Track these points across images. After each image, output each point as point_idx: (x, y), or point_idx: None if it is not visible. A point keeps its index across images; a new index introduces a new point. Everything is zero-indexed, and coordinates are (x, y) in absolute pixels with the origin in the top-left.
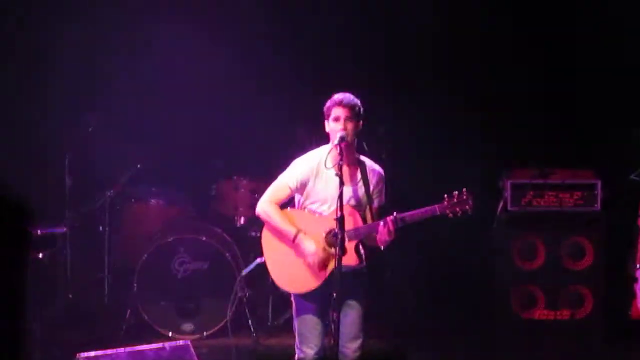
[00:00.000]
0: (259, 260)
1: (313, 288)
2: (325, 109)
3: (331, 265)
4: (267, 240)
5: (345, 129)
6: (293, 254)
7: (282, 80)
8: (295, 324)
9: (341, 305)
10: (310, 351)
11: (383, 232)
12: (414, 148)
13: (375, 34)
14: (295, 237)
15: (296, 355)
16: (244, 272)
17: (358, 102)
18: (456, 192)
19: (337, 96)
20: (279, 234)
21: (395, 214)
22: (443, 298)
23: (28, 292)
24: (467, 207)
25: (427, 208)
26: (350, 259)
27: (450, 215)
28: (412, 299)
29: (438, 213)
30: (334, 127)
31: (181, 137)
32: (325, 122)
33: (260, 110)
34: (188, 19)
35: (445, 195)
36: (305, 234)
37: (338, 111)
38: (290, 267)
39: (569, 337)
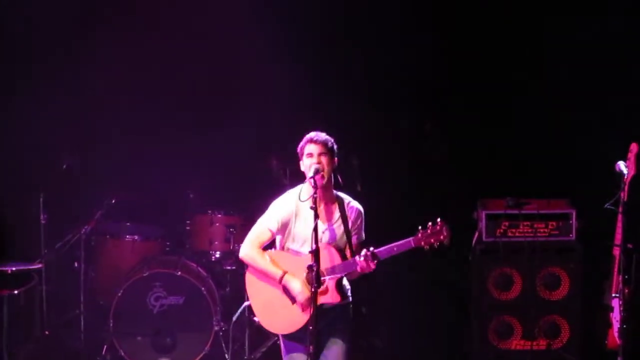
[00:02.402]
0: (246, 303)
1: (300, 327)
2: (298, 149)
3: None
4: (252, 283)
5: (319, 162)
6: (278, 295)
7: (257, 113)
8: None
9: (325, 341)
10: None
11: (363, 268)
12: (388, 179)
13: (349, 66)
14: (282, 278)
15: None
16: (234, 317)
17: (330, 139)
18: (430, 224)
19: (309, 135)
20: (264, 276)
21: (370, 249)
22: (420, 329)
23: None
24: (442, 237)
25: (402, 242)
26: (332, 297)
27: (427, 247)
28: (387, 332)
29: (413, 246)
30: (308, 164)
31: (155, 171)
32: (300, 162)
33: (234, 143)
34: (156, 51)
35: (420, 227)
36: (291, 274)
37: (311, 147)
38: (277, 308)
39: None
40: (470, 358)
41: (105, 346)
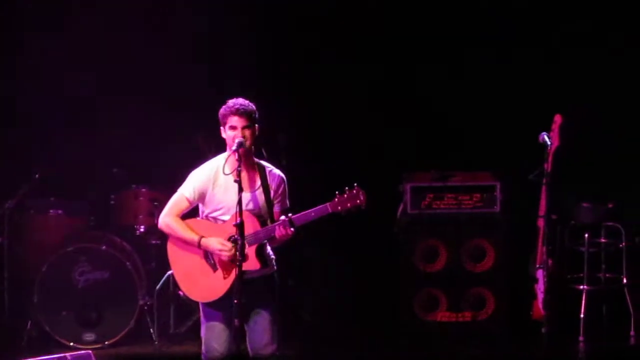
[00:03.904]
0: (169, 272)
1: (221, 295)
2: (220, 116)
3: (235, 272)
4: (173, 252)
5: (243, 136)
6: (199, 262)
7: (181, 88)
8: (202, 331)
9: (250, 312)
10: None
11: (281, 234)
12: (313, 153)
13: (271, 39)
14: (199, 242)
15: None
16: (158, 287)
17: (253, 107)
18: (347, 188)
19: (232, 104)
20: (183, 244)
21: (288, 215)
22: (346, 301)
23: None
24: (358, 201)
25: (319, 207)
26: (251, 264)
27: (344, 212)
28: (315, 305)
29: (330, 211)
30: (232, 135)
31: (80, 146)
32: (222, 128)
33: (159, 118)
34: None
35: (337, 192)
36: (206, 237)
37: (234, 120)
38: (197, 277)
39: (471, 339)
40: (396, 330)
41: (30, 321)
